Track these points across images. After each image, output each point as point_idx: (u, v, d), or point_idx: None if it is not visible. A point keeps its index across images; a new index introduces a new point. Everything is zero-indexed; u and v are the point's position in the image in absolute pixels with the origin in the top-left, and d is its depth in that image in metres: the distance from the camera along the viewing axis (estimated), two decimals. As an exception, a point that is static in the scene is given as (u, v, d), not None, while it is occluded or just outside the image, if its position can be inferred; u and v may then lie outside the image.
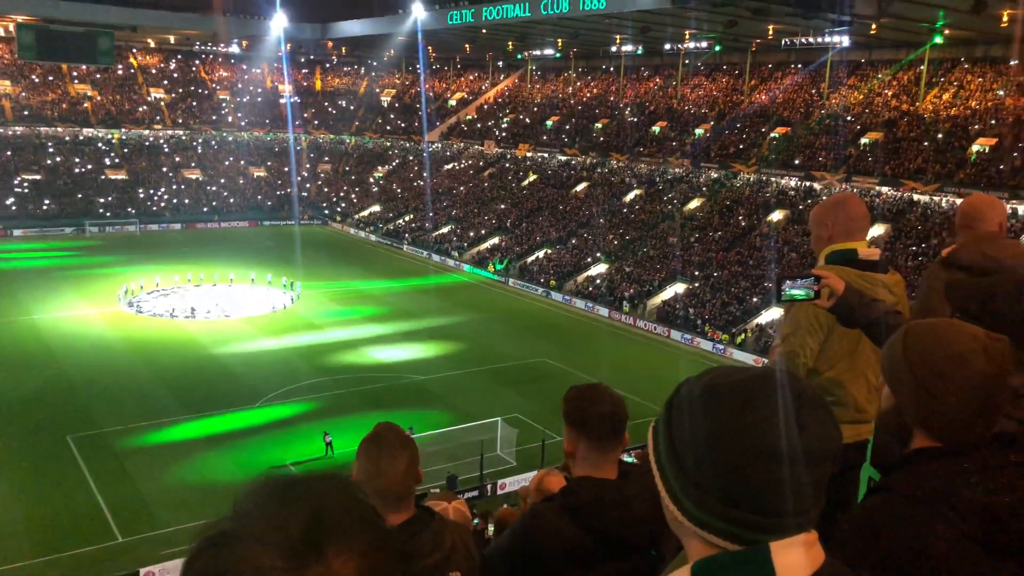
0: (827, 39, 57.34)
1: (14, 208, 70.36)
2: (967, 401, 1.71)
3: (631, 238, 58.93)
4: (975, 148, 49.14)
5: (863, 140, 55.05)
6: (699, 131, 65.74)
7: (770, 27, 56.32)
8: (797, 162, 56.91)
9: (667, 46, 70.27)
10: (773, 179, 57.68)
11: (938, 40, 52.36)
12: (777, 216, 54.37)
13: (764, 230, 53.53)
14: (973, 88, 53.90)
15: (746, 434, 1.15)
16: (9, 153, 75.19)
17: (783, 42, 61.63)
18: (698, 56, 70.97)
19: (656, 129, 69.15)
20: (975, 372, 1.70)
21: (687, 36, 65.42)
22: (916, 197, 49.73)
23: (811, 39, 59.12)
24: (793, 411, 1.16)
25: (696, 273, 51.44)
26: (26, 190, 72.55)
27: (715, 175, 61.51)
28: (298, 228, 77.76)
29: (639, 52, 74.25)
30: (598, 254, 58.15)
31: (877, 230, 48.47)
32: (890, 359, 1.86)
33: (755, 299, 46.75)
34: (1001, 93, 51.78)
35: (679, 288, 50.97)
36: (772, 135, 60.72)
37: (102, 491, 25.59)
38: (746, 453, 1.14)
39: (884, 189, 51.31)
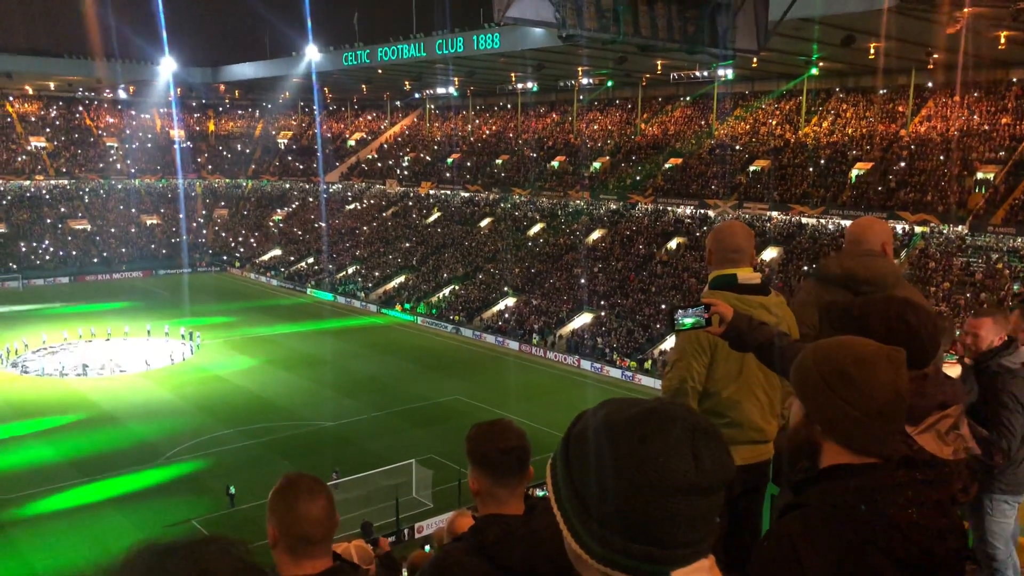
0: (713, 72, 59.98)
1: None
2: (877, 404, 1.79)
3: (537, 271, 59.57)
4: (854, 172, 52.07)
5: (752, 168, 57.57)
6: (597, 164, 67.37)
7: (658, 62, 58.49)
8: (691, 191, 58.94)
9: (561, 83, 71.98)
10: (670, 208, 59.52)
11: (814, 72, 55.65)
12: (675, 243, 56.05)
13: (663, 257, 55.06)
14: (849, 116, 57.29)
15: (645, 469, 1.15)
16: None
17: (672, 76, 64.10)
18: (592, 92, 73.04)
19: (555, 163, 70.48)
20: (882, 376, 1.79)
21: (580, 72, 67.22)
22: (804, 220, 52.19)
23: (698, 73, 61.73)
24: (688, 443, 1.17)
25: (602, 302, 52.35)
26: None
27: (614, 206, 63.03)
28: (195, 276, 75.22)
29: (535, 89, 75.79)
30: (505, 288, 58.49)
31: (770, 253, 50.59)
32: (801, 372, 1.92)
33: (659, 325, 47.84)
34: (873, 120, 55.24)
35: (586, 318, 51.72)
36: (667, 165, 62.80)
37: (-12, 568, 23.80)
38: (647, 488, 1.14)
39: (774, 214, 53.68)
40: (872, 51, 46.85)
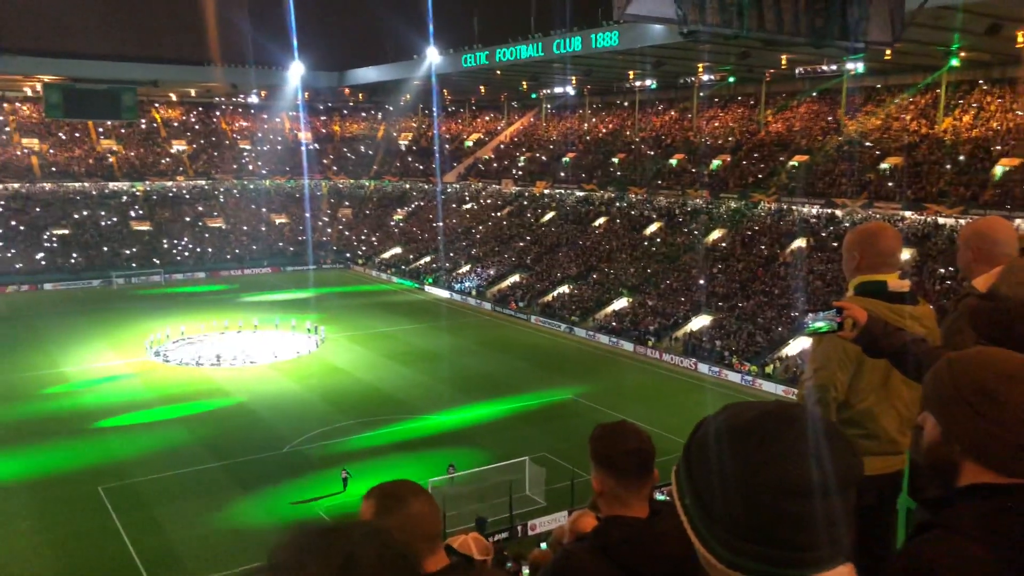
0: (842, 66, 57.47)
1: (43, 263, 71.58)
2: (1022, 423, 1.63)
3: (653, 271, 58.75)
4: (999, 169, 48.71)
5: (883, 165, 54.80)
6: (717, 162, 65.81)
7: (783, 57, 56.56)
8: (817, 189, 56.67)
9: (681, 79, 70.75)
10: (794, 207, 57.45)
11: (954, 63, 52.29)
12: (799, 244, 54.04)
13: (787, 258, 53.20)
14: (993, 109, 53.64)
15: (766, 471, 1.15)
16: (38, 209, 76.73)
17: (797, 71, 61.85)
18: (712, 88, 71.41)
19: (674, 161, 69.32)
20: None
21: (700, 69, 65.84)
22: (941, 220, 49.26)
23: (825, 67, 59.30)
24: (811, 444, 1.16)
25: (721, 304, 51.09)
26: (55, 245, 73.84)
27: (735, 205, 61.39)
28: (320, 273, 78.31)
29: (654, 86, 74.81)
30: (620, 288, 57.99)
31: (903, 255, 47.93)
32: (936, 386, 1.78)
33: (781, 329, 46.29)
34: (1021, 114, 51.48)
35: (704, 320, 50.61)
36: (791, 163, 60.63)
37: (133, 541, 25.52)
38: (768, 490, 1.14)
39: (907, 213, 50.90)
40: (1020, 39, 43.68)
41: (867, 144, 57.38)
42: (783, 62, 58.83)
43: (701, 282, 53.62)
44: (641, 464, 2.61)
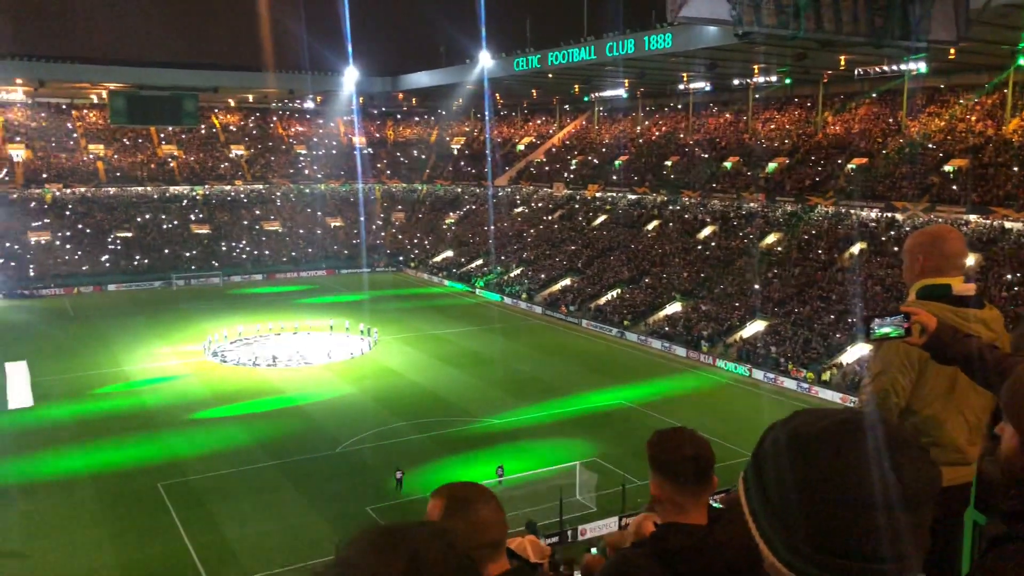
0: (903, 66, 56.00)
1: (108, 264, 73.85)
2: None
3: (707, 275, 58.03)
4: (1070, 171, 46.95)
5: (947, 168, 53.23)
6: (772, 165, 64.73)
7: (841, 58, 55.33)
8: (877, 193, 55.31)
9: (736, 81, 69.80)
10: (852, 211, 56.18)
11: (1023, 62, 50.52)
12: (858, 249, 52.80)
13: (845, 264, 52.03)
14: (1063, 109, 51.74)
15: (839, 482, 1.13)
16: (103, 213, 79.21)
17: (856, 71, 60.47)
18: (768, 90, 70.29)
19: (728, 164, 68.40)
20: None
21: (756, 70, 64.84)
22: (1008, 224, 47.64)
23: (886, 67, 57.86)
24: (887, 455, 1.14)
25: (776, 309, 50.20)
26: (118, 247, 76.13)
27: (791, 208, 60.28)
28: (374, 275, 79.19)
29: (708, 88, 73.92)
30: (673, 293, 57.40)
31: (968, 260, 46.46)
32: (1016, 395, 1.72)
33: (839, 335, 45.27)
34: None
35: (759, 325, 49.79)
36: (849, 166, 59.30)
37: (191, 537, 26.12)
38: (841, 501, 1.12)
39: (972, 217, 49.34)
40: (1094, 36, 42.05)
41: (930, 146, 55.83)
42: (841, 63, 57.53)
43: (756, 287, 52.75)
44: (700, 471, 2.58)
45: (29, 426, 36.46)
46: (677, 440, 2.64)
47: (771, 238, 59.38)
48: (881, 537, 1.10)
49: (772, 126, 69.94)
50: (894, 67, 57.21)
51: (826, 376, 42.52)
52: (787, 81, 67.25)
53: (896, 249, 48.06)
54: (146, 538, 26.18)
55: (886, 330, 2.95)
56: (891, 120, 61.32)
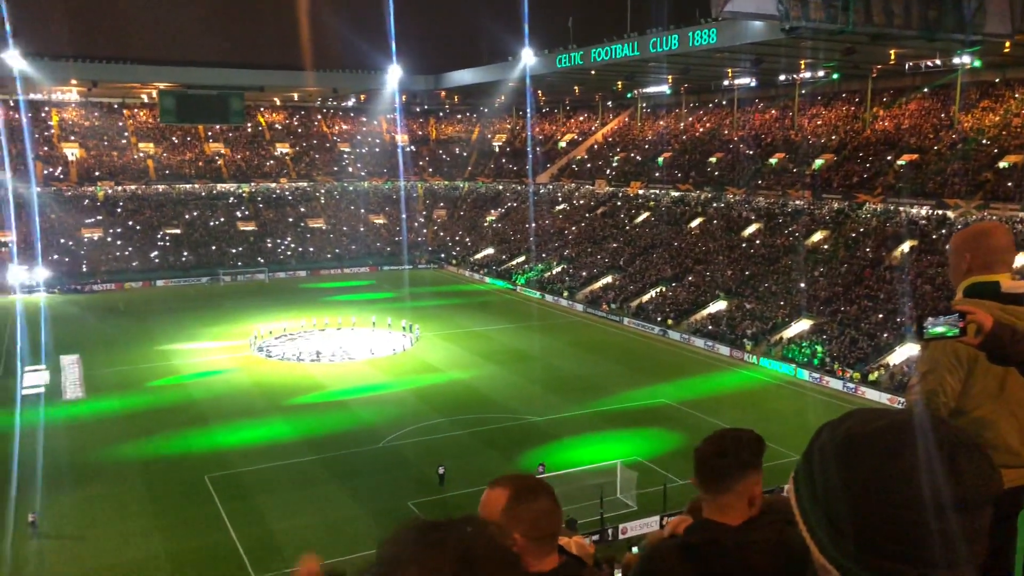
0: (956, 60, 54.64)
1: (157, 260, 75.46)
2: None
3: (751, 273, 57.30)
4: None
5: (1001, 164, 51.81)
6: (819, 161, 63.66)
7: (892, 52, 54.19)
8: (928, 190, 54.06)
9: (782, 77, 68.77)
10: (902, 209, 54.99)
11: (1082, 54, 48.98)
12: (907, 247, 51.67)
13: (894, 262, 50.96)
14: (1125, 103, 49.99)
15: (895, 485, 1.10)
16: (153, 210, 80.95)
17: (907, 66, 59.18)
18: (815, 85, 69.13)
19: (773, 161, 67.44)
20: None
21: (802, 66, 63.81)
22: (1065, 222, 46.24)
23: (938, 61, 56.52)
24: (946, 457, 1.11)
25: (822, 308, 49.37)
26: (167, 243, 77.74)
27: (838, 206, 59.22)
28: (415, 272, 79.72)
29: (753, 84, 72.95)
30: (716, 291, 56.80)
31: (1021, 258, 45.19)
32: None
33: (886, 334, 44.38)
34: None
35: (805, 324, 49.02)
36: (899, 162, 58.04)
37: (236, 529, 26.58)
38: (896, 505, 1.10)
39: (1027, 214, 47.99)
40: None
41: (984, 142, 54.38)
42: (891, 57, 56.34)
43: (802, 285, 51.93)
44: (718, 474, 2.59)
45: (82, 417, 37.45)
46: (708, 443, 2.66)
47: (817, 236, 58.39)
48: (935, 542, 1.08)
49: (819, 122, 68.76)
50: (946, 61, 55.86)
51: (873, 376, 41.71)
52: (835, 76, 66.08)
53: (947, 247, 46.93)
54: (193, 529, 26.72)
55: (940, 329, 2.87)
56: (943, 115, 59.86)
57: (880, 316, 46.23)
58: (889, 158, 59.13)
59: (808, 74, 66.39)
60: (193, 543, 25.81)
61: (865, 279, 50.38)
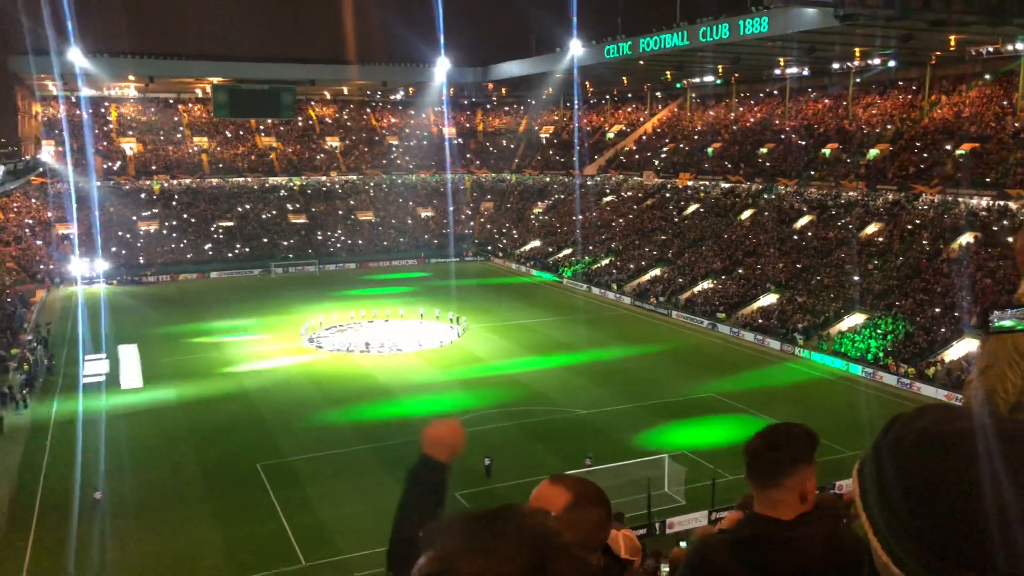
0: (1019, 46, 52.84)
1: (211, 253, 77.08)
2: None
3: (803, 266, 56.31)
4: None
5: (1067, 153, 50.02)
6: (874, 152, 62.17)
7: (952, 38, 52.64)
8: (988, 180, 52.45)
9: (835, 65, 67.32)
10: (960, 199, 53.45)
11: None
12: (966, 239, 50.22)
13: (952, 255, 49.60)
14: None
15: (980, 493, 1.04)
16: (207, 203, 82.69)
17: (968, 52, 57.43)
18: (870, 73, 67.52)
19: (826, 151, 66.08)
20: None
21: (857, 54, 62.35)
22: None
23: (1000, 47, 54.74)
24: None
25: (876, 302, 48.29)
26: (221, 236, 79.34)
27: (893, 197, 57.81)
28: (462, 265, 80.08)
29: (805, 73, 71.56)
30: (767, 284, 55.95)
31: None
32: None
33: (943, 329, 43.25)
34: None
35: (858, 318, 48.02)
36: (958, 152, 56.39)
37: (288, 516, 27.10)
38: (982, 515, 1.03)
39: (1095, 205, 46.28)
40: None
41: (1049, 130, 52.55)
42: (951, 43, 54.73)
43: (855, 278, 50.86)
44: (769, 468, 2.55)
45: (139, 406, 38.52)
46: (758, 438, 2.62)
47: (871, 228, 57.10)
48: (1009, 552, 1.03)
49: (874, 111, 67.13)
50: (1009, 47, 54.07)
51: (930, 372, 40.69)
52: (891, 64, 64.44)
53: (1010, 240, 45.50)
54: (246, 515, 27.31)
55: (1007, 323, 2.80)
56: (1005, 103, 57.96)
57: (937, 310, 45.06)
58: (948, 147, 57.47)
59: (863, 62, 64.86)
60: (246, 529, 26.38)
61: (922, 272, 49.14)
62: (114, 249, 72.86)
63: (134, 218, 78.21)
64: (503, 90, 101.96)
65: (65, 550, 24.91)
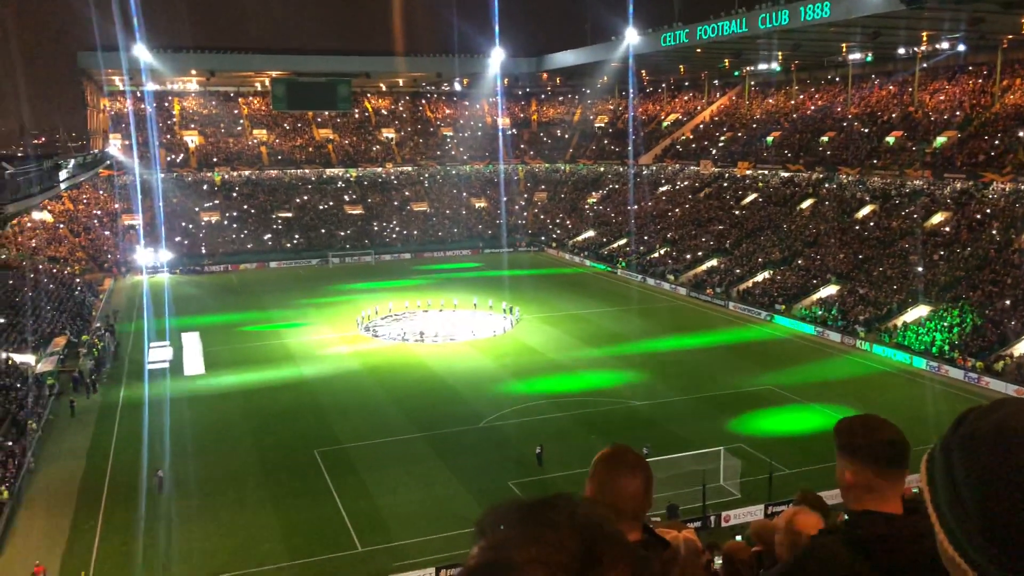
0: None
1: (270, 243, 78.56)
2: None
3: (865, 257, 54.88)
4: None
5: None
6: (941, 139, 60.19)
7: (1025, 20, 50.62)
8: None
9: (900, 50, 65.30)
10: (1033, 188, 51.42)
11: None
12: (1040, 229, 48.32)
13: (1023, 245, 47.77)
14: None
15: None
16: (266, 195, 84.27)
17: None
18: (938, 59, 65.32)
19: (890, 139, 64.19)
20: None
21: (924, 38, 60.36)
22: None
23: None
24: None
25: (942, 294, 46.83)
26: (280, 227, 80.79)
27: (961, 186, 55.91)
28: (516, 255, 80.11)
29: (868, 59, 69.61)
30: (828, 275, 54.70)
31: None
32: None
33: (1013, 322, 41.72)
34: None
35: (923, 310, 46.65)
36: (1031, 139, 54.21)
37: (344, 502, 27.51)
38: None
39: None
40: None
41: None
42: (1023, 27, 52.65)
43: (919, 269, 49.39)
44: (899, 455, 2.45)
45: (201, 392, 39.52)
46: (874, 424, 2.51)
47: (937, 217, 55.34)
48: None
49: (941, 97, 64.95)
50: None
51: (998, 366, 39.31)
52: (960, 48, 62.22)
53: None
54: (303, 500, 27.82)
55: None
56: (1082, 87, 55.52)
57: (1007, 302, 43.49)
58: (1021, 134, 55.30)
59: (930, 46, 62.76)
60: (303, 514, 26.87)
61: (991, 263, 47.47)
62: (177, 239, 74.78)
63: (196, 209, 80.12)
64: (557, 80, 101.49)
65: (132, 528, 25.76)
